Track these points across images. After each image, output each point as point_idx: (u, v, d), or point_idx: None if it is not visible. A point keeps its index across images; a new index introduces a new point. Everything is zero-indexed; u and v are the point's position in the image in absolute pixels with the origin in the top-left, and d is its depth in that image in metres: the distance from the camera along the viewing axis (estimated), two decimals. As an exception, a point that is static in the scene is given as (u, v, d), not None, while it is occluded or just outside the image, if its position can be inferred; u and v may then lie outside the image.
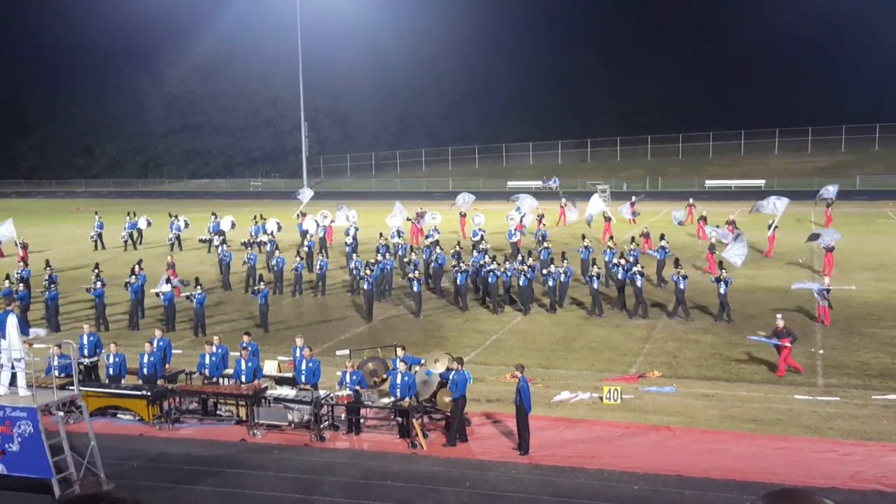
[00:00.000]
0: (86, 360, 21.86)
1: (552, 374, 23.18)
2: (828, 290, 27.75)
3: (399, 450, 17.95)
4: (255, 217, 47.39)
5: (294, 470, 16.99)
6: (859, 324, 27.68)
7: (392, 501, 15.47)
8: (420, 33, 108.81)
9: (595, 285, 30.22)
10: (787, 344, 22.08)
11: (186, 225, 48.05)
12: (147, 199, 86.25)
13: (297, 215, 48.34)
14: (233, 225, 46.92)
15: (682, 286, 28.72)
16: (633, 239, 36.35)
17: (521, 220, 43.81)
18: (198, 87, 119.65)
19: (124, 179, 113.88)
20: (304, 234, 44.21)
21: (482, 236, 39.97)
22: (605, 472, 16.40)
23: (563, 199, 51.56)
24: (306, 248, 39.70)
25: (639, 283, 29.67)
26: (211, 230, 46.54)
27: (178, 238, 46.76)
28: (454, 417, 18.13)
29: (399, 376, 19.08)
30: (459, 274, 31.56)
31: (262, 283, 29.45)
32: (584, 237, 36.77)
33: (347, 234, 41.05)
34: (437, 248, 35.64)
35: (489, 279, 31.21)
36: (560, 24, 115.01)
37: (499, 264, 32.01)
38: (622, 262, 30.72)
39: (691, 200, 52.30)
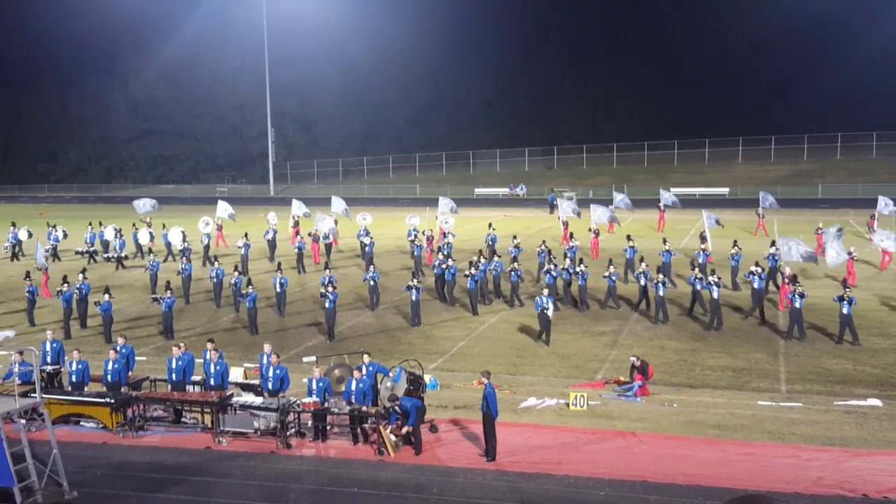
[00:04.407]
0: (49, 367, 21.60)
1: (519, 381, 23.23)
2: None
3: (366, 457, 17.90)
4: (133, 225, 47.72)
5: (260, 477, 16.90)
6: (822, 331, 27.98)
7: (359, 508, 15.43)
8: (387, 40, 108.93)
9: (661, 292, 29.54)
10: (640, 383, 21.72)
11: (65, 235, 47.74)
12: (112, 205, 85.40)
13: (135, 225, 49.34)
14: (117, 233, 46.45)
15: (797, 305, 26.82)
16: (734, 242, 36.13)
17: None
18: (163, 92, 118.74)
19: (88, 185, 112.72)
20: (137, 244, 46.04)
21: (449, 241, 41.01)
22: (571, 478, 16.45)
23: (612, 206, 52.58)
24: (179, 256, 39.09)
25: (715, 295, 28.54)
26: (88, 241, 46.26)
27: (55, 249, 46.01)
28: (416, 430, 18.12)
29: (353, 383, 19.03)
30: (470, 279, 31.64)
31: (250, 287, 29.40)
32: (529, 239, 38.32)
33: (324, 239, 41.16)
34: (439, 253, 36.12)
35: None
36: (527, 33, 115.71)
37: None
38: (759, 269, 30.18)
39: (760, 210, 51.39)
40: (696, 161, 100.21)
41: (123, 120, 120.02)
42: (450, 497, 15.81)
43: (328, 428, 19.17)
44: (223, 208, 50.40)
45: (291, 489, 16.37)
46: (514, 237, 40.12)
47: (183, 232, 44.67)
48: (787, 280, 30.01)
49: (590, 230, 44.25)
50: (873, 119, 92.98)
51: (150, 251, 41.67)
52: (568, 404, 20.66)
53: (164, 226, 48.14)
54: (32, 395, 17.31)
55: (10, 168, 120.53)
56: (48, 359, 21.81)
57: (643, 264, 31.45)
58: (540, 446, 18.19)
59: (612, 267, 32.03)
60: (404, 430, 18.11)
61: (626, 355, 24.83)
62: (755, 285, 29.67)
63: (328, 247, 44.14)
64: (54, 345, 22.32)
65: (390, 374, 19.97)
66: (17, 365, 19.11)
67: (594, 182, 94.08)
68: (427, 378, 21.65)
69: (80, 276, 31.35)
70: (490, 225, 43.99)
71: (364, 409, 18.71)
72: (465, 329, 29.46)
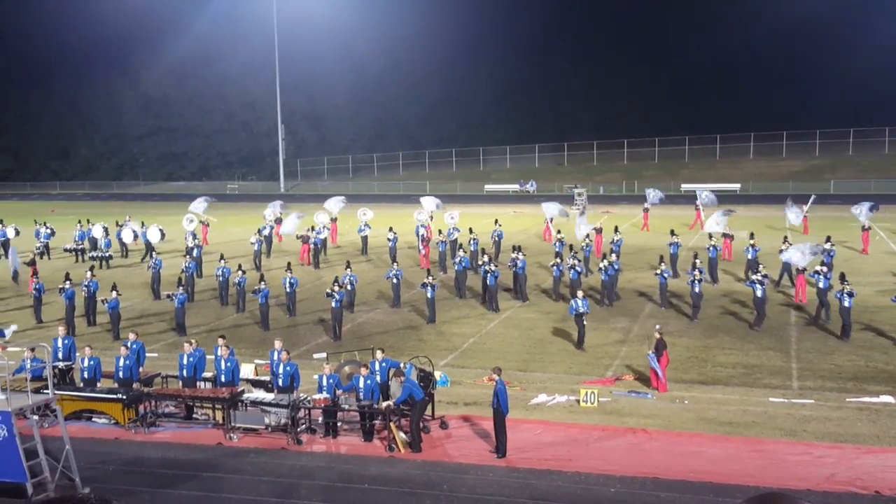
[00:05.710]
0: (60, 364, 21.67)
1: (529, 377, 23.21)
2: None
3: (376, 453, 17.91)
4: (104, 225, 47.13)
5: (271, 473, 16.93)
6: (833, 327, 27.85)
7: (369, 505, 15.44)
8: (397, 37, 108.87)
9: (697, 289, 29.15)
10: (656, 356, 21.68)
11: (53, 233, 47.50)
12: (122, 202, 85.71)
13: (120, 223, 48.86)
14: (105, 231, 46.17)
15: (846, 304, 26.28)
16: (785, 237, 35.64)
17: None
18: (174, 89, 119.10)
19: (99, 182, 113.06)
20: (121, 242, 45.83)
21: (458, 236, 41.53)
22: (581, 475, 16.44)
23: (699, 202, 51.58)
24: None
25: (759, 293, 28.15)
26: (77, 239, 46.05)
27: (45, 246, 45.85)
28: (412, 422, 18.12)
29: (361, 380, 19.02)
30: (490, 275, 31.59)
31: (262, 283, 29.42)
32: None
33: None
34: (460, 250, 36.20)
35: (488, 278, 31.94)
36: (536, 29, 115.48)
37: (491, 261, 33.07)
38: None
39: (805, 207, 49.72)
40: (707, 157, 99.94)
41: (134, 117, 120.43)
42: (460, 493, 15.81)
43: (338, 424, 19.20)
44: (196, 205, 50.44)
45: (302, 485, 16.40)
46: (559, 231, 40.32)
47: (161, 230, 44.57)
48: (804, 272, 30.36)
49: (592, 231, 43.37)
50: (885, 114, 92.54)
51: (153, 249, 41.65)
52: (578, 401, 20.64)
53: (142, 224, 47.96)
54: (45, 391, 17.38)
55: (21, 165, 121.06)
56: (60, 355, 21.86)
57: (697, 260, 30.70)
58: (550, 443, 18.17)
59: (662, 264, 31.75)
60: (384, 404, 18.44)
61: (637, 352, 24.84)
62: (821, 284, 28.93)
63: (323, 242, 43.81)
64: (66, 341, 22.36)
65: (401, 367, 19.99)
66: (29, 361, 19.19)
67: (604, 178, 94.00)
68: (438, 375, 21.68)
69: (88, 273, 31.41)
70: (496, 221, 43.94)
71: (374, 405, 18.74)
72: (476, 326, 29.43)
